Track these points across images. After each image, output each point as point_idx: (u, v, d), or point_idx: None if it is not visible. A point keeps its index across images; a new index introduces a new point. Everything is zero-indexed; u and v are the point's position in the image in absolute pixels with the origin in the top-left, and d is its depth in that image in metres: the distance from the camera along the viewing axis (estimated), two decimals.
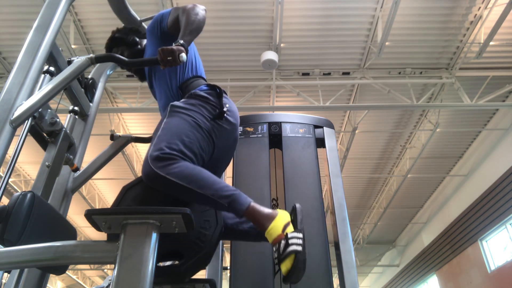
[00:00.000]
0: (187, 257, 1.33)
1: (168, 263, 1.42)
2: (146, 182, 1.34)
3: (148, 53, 1.73)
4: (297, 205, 1.41)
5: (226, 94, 1.62)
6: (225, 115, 1.52)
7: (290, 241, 1.24)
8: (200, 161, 1.43)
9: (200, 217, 1.43)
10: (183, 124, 1.43)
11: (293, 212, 1.41)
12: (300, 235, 1.27)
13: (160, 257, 1.09)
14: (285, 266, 1.21)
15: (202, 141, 1.44)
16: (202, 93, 1.54)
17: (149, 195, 1.39)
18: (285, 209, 2.22)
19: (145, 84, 1.81)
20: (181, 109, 1.48)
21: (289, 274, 1.21)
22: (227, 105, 1.55)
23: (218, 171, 1.63)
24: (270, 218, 1.32)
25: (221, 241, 2.35)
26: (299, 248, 1.22)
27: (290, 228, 1.31)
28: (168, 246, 1.15)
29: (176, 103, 1.51)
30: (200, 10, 1.58)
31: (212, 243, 1.40)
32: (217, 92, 1.55)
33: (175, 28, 1.63)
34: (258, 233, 1.51)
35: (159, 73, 1.67)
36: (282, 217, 1.34)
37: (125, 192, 1.38)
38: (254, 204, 1.33)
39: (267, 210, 1.34)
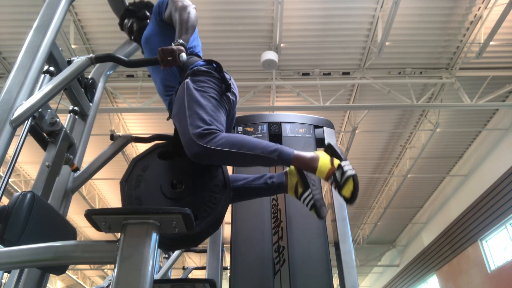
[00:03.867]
0: (200, 218, 1.42)
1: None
2: (197, 161, 1.43)
3: (148, 29, 1.85)
4: (331, 142, 1.59)
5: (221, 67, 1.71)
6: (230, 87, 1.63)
7: (345, 169, 1.41)
8: (224, 131, 1.52)
9: (210, 182, 1.52)
10: (205, 100, 1.52)
11: (328, 148, 1.55)
12: (348, 162, 1.45)
13: None
14: (348, 190, 1.38)
15: (223, 111, 1.56)
16: (204, 68, 1.62)
17: (157, 165, 1.49)
18: (285, 211, 2.24)
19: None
20: (196, 87, 1.55)
21: (353, 195, 1.38)
22: (229, 79, 1.65)
23: None
24: (315, 159, 1.47)
25: (221, 243, 2.36)
26: (354, 171, 1.40)
27: (336, 160, 1.46)
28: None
29: (188, 82, 1.57)
30: (191, 8, 1.65)
31: (222, 206, 1.48)
32: (214, 67, 1.64)
33: (171, 20, 1.72)
34: (271, 188, 1.64)
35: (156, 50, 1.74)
36: (323, 155, 1.49)
37: (135, 164, 1.47)
38: (297, 151, 1.48)
39: (308, 153, 1.49)
